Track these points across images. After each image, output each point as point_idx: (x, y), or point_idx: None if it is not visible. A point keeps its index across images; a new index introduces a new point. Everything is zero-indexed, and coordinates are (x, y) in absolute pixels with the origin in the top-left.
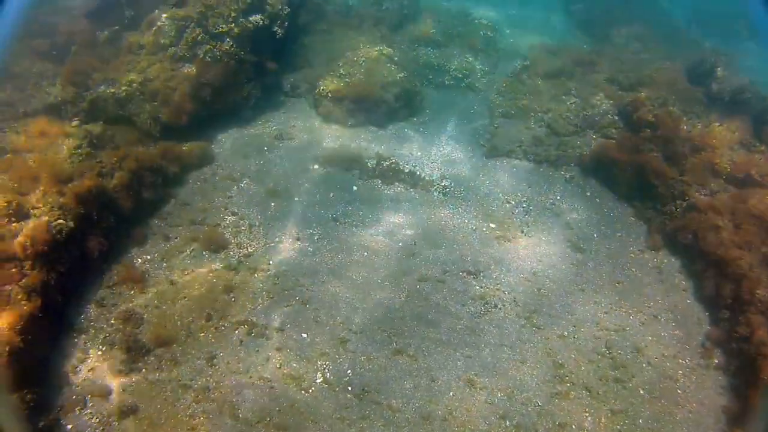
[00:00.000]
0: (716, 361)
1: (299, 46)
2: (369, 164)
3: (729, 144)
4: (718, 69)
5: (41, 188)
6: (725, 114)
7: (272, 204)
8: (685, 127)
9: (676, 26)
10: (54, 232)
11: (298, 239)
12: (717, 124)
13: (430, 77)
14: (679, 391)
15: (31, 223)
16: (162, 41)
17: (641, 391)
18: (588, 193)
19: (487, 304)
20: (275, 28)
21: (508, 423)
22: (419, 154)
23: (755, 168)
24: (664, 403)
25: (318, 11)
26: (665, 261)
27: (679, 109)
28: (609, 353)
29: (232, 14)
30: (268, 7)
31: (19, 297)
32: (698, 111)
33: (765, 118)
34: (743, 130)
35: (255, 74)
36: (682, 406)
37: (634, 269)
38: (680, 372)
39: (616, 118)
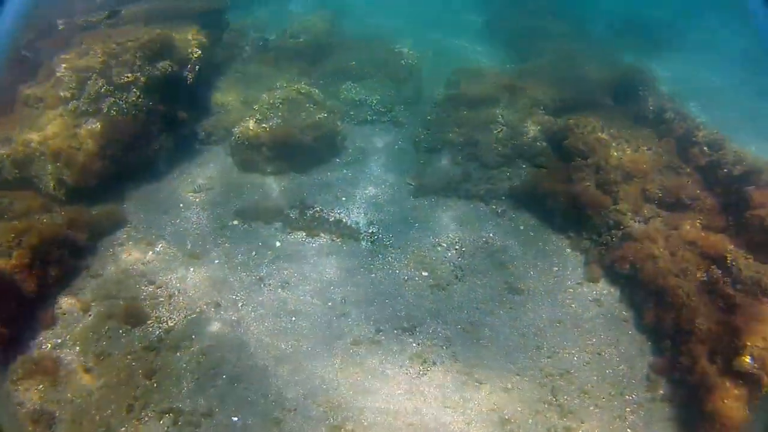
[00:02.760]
0: (662, 392)
1: (214, 89)
2: (292, 215)
3: (658, 167)
4: (641, 87)
5: None
6: (652, 135)
7: (191, 269)
8: (615, 153)
9: (598, 40)
10: None
11: (220, 307)
12: (645, 147)
13: (352, 113)
14: (629, 430)
15: None
16: (62, 94)
17: None
18: (521, 227)
19: (426, 362)
20: (186, 74)
21: None
22: (344, 199)
23: (684, 191)
24: None
25: (233, 49)
26: (605, 292)
27: (608, 133)
28: (556, 400)
29: (138, 62)
30: (176, 51)
31: None
32: (626, 135)
33: (689, 139)
34: (669, 151)
35: (166, 125)
36: None
37: (573, 305)
38: (628, 409)
39: (546, 145)
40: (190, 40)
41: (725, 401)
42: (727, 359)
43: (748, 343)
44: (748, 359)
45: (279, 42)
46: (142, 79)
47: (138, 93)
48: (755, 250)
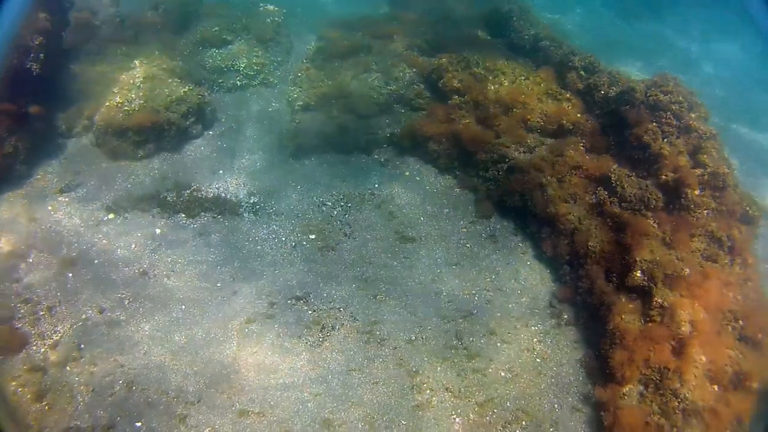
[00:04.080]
0: (566, 317)
1: (68, 76)
2: (169, 198)
3: (537, 96)
4: (515, 17)
5: None
6: (528, 64)
7: (69, 274)
8: (492, 87)
9: None
10: None
11: (105, 309)
12: (523, 77)
13: (221, 81)
14: (538, 360)
15: None
16: None
17: (502, 374)
18: (407, 174)
19: (324, 328)
20: (29, 64)
21: None
22: (221, 172)
23: (565, 117)
24: (527, 378)
25: (86, 30)
26: (498, 227)
27: (484, 67)
28: (462, 344)
29: None
30: (13, 40)
31: None
32: (503, 67)
33: (566, 65)
34: (548, 79)
35: (17, 123)
36: (544, 373)
37: (468, 245)
38: (535, 340)
39: (422, 86)
40: (28, 26)
41: (623, 317)
42: (621, 276)
43: (638, 258)
44: (638, 274)
45: (137, 15)
46: None
47: None
48: (636, 167)
